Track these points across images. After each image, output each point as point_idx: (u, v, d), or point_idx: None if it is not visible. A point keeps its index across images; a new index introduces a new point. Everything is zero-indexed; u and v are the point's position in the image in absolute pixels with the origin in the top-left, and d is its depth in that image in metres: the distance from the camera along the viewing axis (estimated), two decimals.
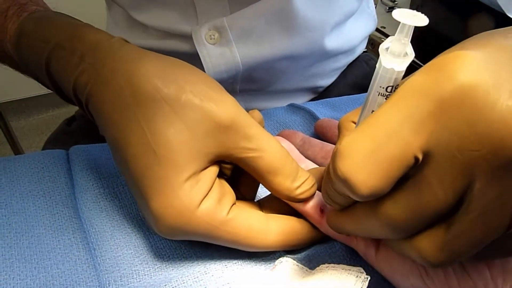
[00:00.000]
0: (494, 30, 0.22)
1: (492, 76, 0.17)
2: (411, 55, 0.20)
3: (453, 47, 0.20)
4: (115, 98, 0.26)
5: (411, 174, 0.19)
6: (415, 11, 0.19)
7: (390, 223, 0.19)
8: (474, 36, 0.21)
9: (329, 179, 0.22)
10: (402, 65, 0.20)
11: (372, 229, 0.21)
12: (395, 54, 0.20)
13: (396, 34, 0.19)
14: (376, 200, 0.20)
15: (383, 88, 0.21)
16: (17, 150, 1.17)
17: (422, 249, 0.20)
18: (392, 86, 0.20)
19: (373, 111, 0.22)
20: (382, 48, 0.20)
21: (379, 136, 0.18)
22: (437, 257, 0.19)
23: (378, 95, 0.21)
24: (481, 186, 0.18)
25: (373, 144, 0.18)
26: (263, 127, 0.29)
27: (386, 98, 0.21)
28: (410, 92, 0.18)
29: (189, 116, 0.25)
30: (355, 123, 0.26)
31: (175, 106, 0.25)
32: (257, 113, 0.30)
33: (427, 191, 0.18)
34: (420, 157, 0.18)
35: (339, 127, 0.26)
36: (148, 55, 0.27)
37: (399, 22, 0.19)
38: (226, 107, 0.26)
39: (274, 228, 0.27)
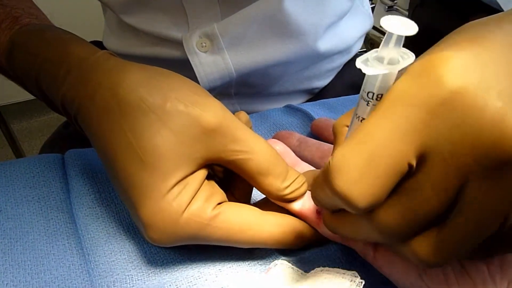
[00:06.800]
0: (490, 16, 0.21)
1: (479, 77, 0.17)
2: (401, 63, 0.19)
3: (439, 44, 0.20)
4: (101, 112, 0.26)
5: (403, 179, 0.19)
6: (405, 18, 0.18)
7: (384, 230, 0.20)
8: (465, 26, 0.21)
9: (319, 186, 0.21)
10: (386, 71, 0.19)
11: (367, 233, 0.21)
12: (380, 61, 0.19)
13: (382, 42, 0.19)
14: None
15: (366, 93, 0.20)
16: (18, 152, 1.17)
17: (418, 252, 0.20)
18: (373, 93, 0.20)
19: (358, 116, 0.21)
20: (371, 55, 0.19)
21: (371, 149, 0.18)
22: (432, 258, 0.19)
23: (363, 101, 0.21)
24: (474, 189, 0.18)
25: (367, 158, 0.18)
26: (250, 128, 0.29)
27: (367, 104, 0.21)
28: (398, 101, 0.18)
29: (175, 122, 0.25)
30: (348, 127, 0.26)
31: (161, 114, 0.25)
32: (243, 115, 0.30)
33: (420, 196, 0.18)
34: (414, 163, 0.18)
35: (334, 132, 0.26)
36: (133, 66, 0.27)
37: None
38: (212, 111, 0.26)
39: (270, 220, 0.27)
